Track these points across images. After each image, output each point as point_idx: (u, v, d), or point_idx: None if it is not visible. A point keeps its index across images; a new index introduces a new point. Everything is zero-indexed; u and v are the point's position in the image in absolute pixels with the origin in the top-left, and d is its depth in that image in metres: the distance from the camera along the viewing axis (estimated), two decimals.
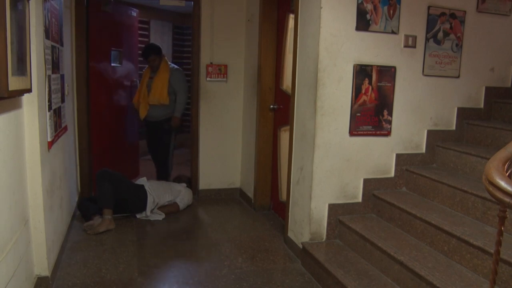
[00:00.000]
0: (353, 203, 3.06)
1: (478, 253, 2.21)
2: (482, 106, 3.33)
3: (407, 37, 2.99)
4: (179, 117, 4.43)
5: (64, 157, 3.24)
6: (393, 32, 2.94)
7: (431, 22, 3.05)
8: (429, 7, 3.03)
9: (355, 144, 2.98)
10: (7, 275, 1.89)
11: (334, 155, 2.94)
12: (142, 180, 3.94)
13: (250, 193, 4.26)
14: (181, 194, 4.04)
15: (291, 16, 3.52)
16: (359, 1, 2.82)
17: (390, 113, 3.04)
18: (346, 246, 2.92)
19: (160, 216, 3.82)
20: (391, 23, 2.92)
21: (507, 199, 1.33)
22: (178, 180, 4.44)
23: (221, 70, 4.35)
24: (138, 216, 3.80)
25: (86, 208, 3.68)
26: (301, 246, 3.02)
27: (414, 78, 3.07)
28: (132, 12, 4.78)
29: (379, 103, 2.99)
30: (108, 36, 4.41)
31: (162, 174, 4.58)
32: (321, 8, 2.73)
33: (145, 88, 4.38)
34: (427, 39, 3.06)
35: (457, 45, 3.15)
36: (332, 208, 3.00)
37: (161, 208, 3.90)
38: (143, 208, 3.77)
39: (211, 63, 4.31)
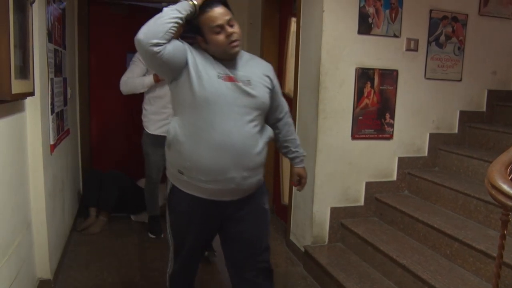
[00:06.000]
0: (355, 207, 3.05)
1: (480, 257, 2.20)
2: (484, 109, 3.32)
3: (409, 40, 2.99)
4: None
5: (66, 160, 3.25)
6: (395, 36, 2.94)
7: (433, 26, 3.05)
8: (431, 11, 3.03)
9: (357, 148, 2.98)
10: (9, 278, 1.89)
11: (336, 159, 2.94)
12: (143, 182, 3.93)
13: None
14: None
15: (293, 19, 3.52)
16: (361, 5, 2.83)
17: (392, 117, 3.04)
18: (348, 250, 2.91)
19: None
20: (393, 26, 2.93)
21: (509, 203, 1.32)
22: None
23: None
24: (134, 219, 3.79)
25: (89, 187, 3.67)
26: (303, 249, 3.01)
27: (416, 82, 3.07)
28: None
29: (381, 106, 2.99)
30: (122, 39, 4.38)
31: None
32: (323, 11, 2.74)
33: None
34: (429, 43, 3.06)
35: (459, 48, 3.15)
36: (334, 211, 2.99)
37: None
38: (143, 210, 3.77)
39: None
